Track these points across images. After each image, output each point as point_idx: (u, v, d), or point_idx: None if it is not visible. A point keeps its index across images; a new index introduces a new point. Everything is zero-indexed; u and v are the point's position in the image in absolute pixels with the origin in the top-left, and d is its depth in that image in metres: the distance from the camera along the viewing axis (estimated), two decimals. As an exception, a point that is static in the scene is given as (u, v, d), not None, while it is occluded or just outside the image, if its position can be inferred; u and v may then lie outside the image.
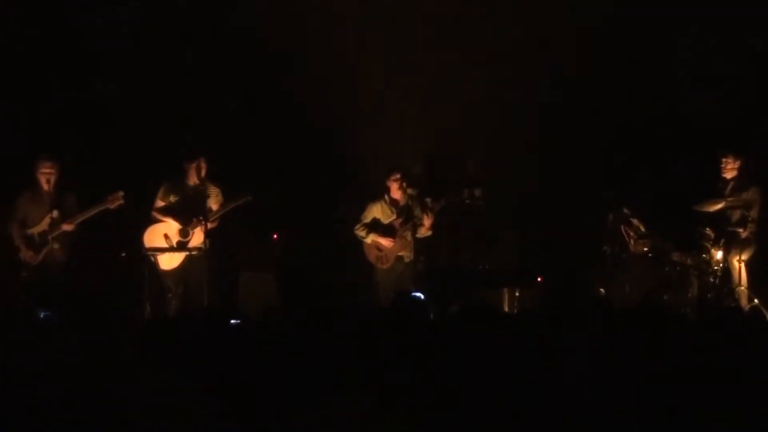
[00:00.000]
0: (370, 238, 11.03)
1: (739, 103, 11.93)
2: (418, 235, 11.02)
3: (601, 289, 11.18)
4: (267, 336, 5.50)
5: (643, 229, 11.12)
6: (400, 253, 11.05)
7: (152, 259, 10.57)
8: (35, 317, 5.91)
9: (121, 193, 10.40)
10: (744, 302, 10.52)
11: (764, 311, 10.29)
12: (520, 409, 4.60)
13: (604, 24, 12.30)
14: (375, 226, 11.07)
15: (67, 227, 10.41)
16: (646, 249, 11.10)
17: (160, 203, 10.70)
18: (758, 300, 10.51)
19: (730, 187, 10.92)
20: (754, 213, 10.77)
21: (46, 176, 10.44)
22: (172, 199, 10.68)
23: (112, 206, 10.43)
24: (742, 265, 10.67)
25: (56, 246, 10.43)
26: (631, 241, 11.17)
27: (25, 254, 10.42)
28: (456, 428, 4.49)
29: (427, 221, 11.02)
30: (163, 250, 10.58)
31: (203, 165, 10.62)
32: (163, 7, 12.26)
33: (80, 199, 10.61)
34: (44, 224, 10.42)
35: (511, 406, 4.62)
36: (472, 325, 5.40)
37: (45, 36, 11.92)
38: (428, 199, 11.13)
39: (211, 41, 12.31)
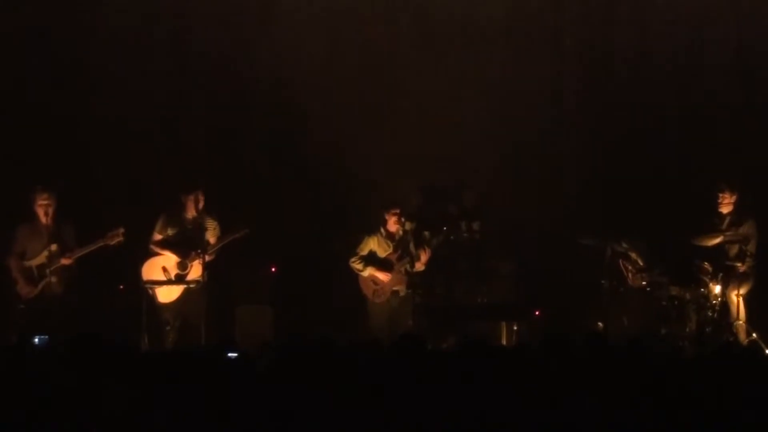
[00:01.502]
0: (368, 272, 11.00)
1: (736, 137, 11.99)
2: (412, 269, 11.00)
3: (599, 323, 11.16)
4: (264, 370, 5.49)
5: (641, 263, 11.10)
6: (395, 288, 11.01)
7: (150, 291, 10.55)
8: (31, 347, 5.89)
9: (122, 230, 10.38)
10: (742, 336, 10.50)
11: (762, 345, 10.28)
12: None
13: (602, 56, 12.39)
14: (371, 260, 11.03)
15: (65, 261, 10.39)
16: (644, 283, 11.08)
17: (157, 236, 10.68)
18: (756, 334, 10.49)
19: (727, 221, 10.94)
20: (752, 247, 10.78)
21: (44, 208, 10.41)
22: (170, 232, 10.66)
23: (111, 242, 10.40)
24: (741, 299, 10.65)
25: (54, 279, 10.39)
26: (629, 275, 11.15)
27: (23, 288, 10.39)
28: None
29: (424, 256, 11.00)
30: (161, 283, 10.55)
31: (201, 198, 10.62)
32: (159, 35, 12.32)
33: (78, 228, 10.59)
34: (42, 257, 10.38)
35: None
36: (469, 359, 5.40)
37: (42, 65, 11.97)
38: (426, 233, 11.11)
39: (208, 71, 12.35)
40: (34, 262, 10.40)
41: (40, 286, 10.38)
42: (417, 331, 10.08)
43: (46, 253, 10.38)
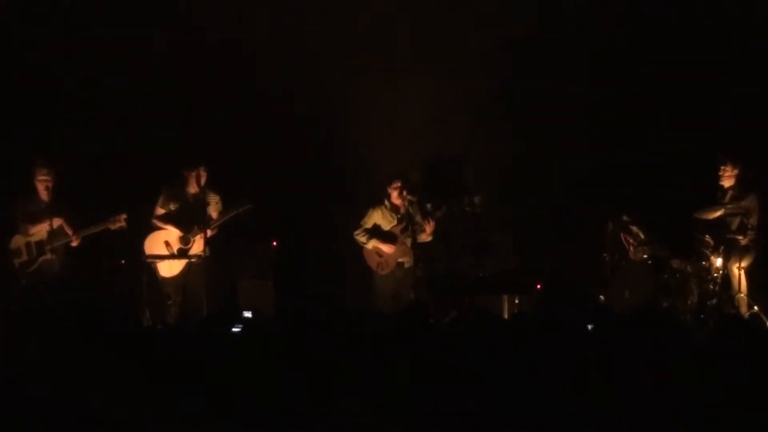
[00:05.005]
0: (371, 244, 11.03)
1: (737, 111, 11.95)
2: (418, 240, 11.00)
3: (601, 296, 11.18)
4: (267, 342, 5.49)
5: (642, 236, 11.12)
6: (400, 260, 11.04)
7: (152, 266, 10.56)
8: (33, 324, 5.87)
9: (124, 216, 10.37)
10: (744, 309, 10.52)
11: (764, 318, 10.30)
12: (517, 414, 4.60)
13: (604, 35, 12.35)
14: (376, 232, 11.07)
15: (75, 243, 10.39)
16: (645, 256, 11.10)
17: (160, 211, 10.69)
18: (758, 307, 10.51)
19: (728, 194, 10.93)
20: (753, 220, 10.77)
21: (43, 183, 10.41)
22: (172, 206, 10.66)
23: (113, 227, 10.40)
24: (742, 272, 10.66)
25: (53, 256, 10.38)
26: (631, 248, 11.17)
27: (24, 228, 10.33)
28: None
29: (429, 227, 11.01)
30: (163, 258, 10.56)
31: (203, 173, 10.62)
32: (162, 15, 12.27)
33: (78, 205, 10.58)
34: (43, 233, 10.39)
35: (508, 411, 4.62)
36: (469, 331, 5.41)
37: (43, 39, 11.94)
38: (429, 205, 11.12)
39: (210, 50, 12.31)
40: (33, 238, 10.40)
41: (38, 262, 10.38)
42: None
43: (47, 229, 10.38)
